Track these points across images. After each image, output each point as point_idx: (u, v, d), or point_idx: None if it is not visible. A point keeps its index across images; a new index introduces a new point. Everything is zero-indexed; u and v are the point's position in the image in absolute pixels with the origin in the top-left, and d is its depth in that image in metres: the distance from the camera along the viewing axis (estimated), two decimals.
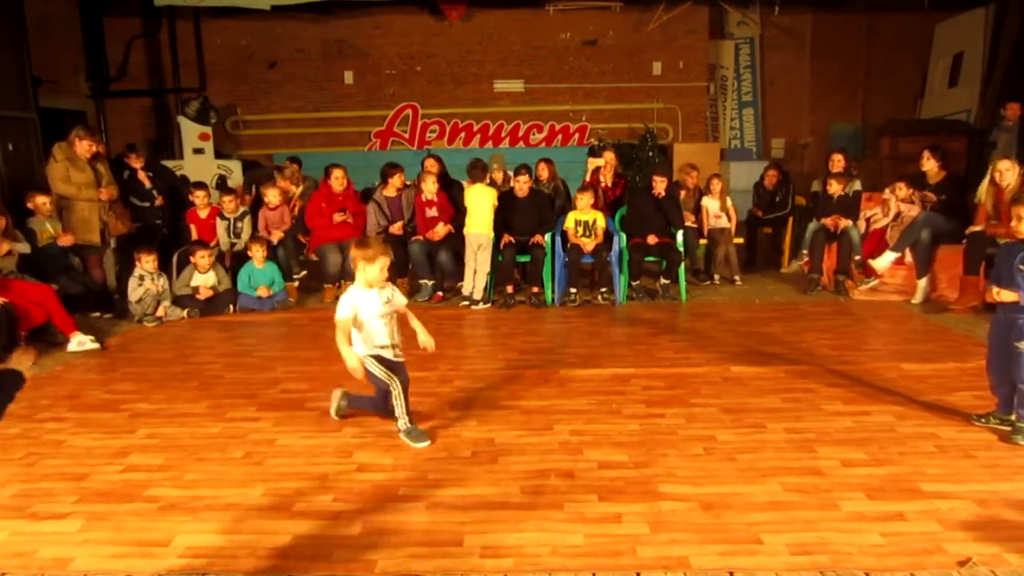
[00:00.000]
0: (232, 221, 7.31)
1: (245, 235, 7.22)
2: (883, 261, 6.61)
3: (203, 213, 7.39)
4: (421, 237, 7.00)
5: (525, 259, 6.89)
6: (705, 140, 11.97)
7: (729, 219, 7.77)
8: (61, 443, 3.72)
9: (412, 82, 11.87)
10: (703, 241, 7.75)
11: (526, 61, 11.82)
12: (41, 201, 6.42)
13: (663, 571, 2.48)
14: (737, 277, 7.63)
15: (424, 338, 3.74)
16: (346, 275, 7.21)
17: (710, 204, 7.74)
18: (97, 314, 6.51)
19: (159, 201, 7.73)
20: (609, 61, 11.82)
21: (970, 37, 10.50)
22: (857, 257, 6.92)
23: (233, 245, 7.28)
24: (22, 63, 8.39)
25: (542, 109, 11.96)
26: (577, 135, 12.02)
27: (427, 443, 3.56)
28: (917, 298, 6.52)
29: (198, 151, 10.50)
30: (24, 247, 5.94)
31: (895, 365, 4.69)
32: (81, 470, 3.37)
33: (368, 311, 3.60)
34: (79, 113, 10.58)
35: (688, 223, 7.35)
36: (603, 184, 7.65)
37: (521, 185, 6.92)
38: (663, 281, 7.01)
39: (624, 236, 6.89)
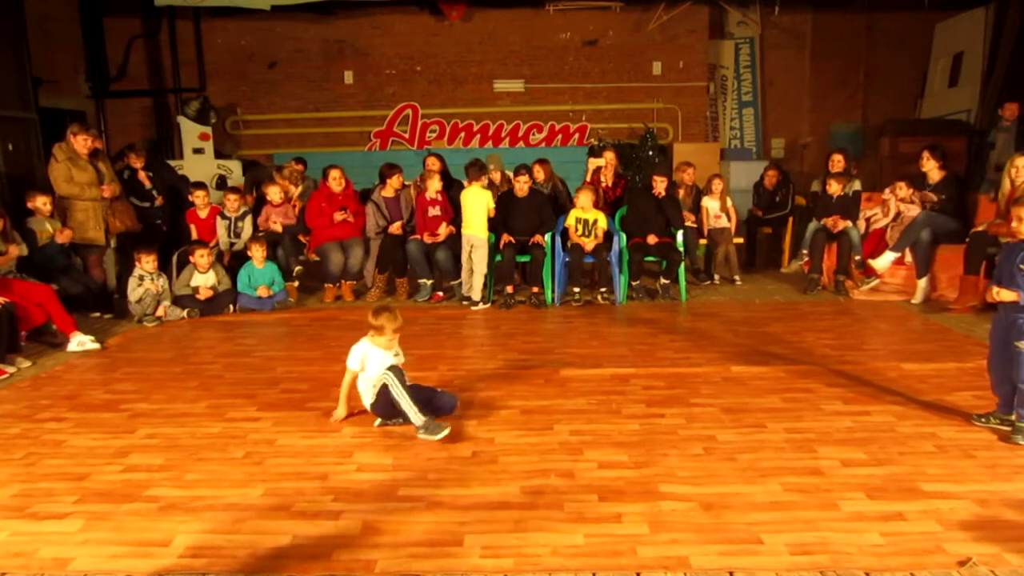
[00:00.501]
0: (233, 220, 7.31)
1: (245, 235, 7.23)
2: (883, 261, 6.61)
3: (203, 213, 7.39)
4: (419, 236, 7.00)
5: (525, 259, 6.89)
6: (705, 140, 11.97)
7: (729, 219, 7.77)
8: (61, 443, 3.71)
9: (412, 82, 11.87)
10: (703, 241, 7.74)
11: (526, 61, 11.82)
12: (41, 201, 6.41)
13: (663, 571, 2.48)
14: (737, 277, 7.63)
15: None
16: (347, 275, 7.22)
17: (710, 204, 7.73)
18: (97, 314, 6.51)
19: (159, 201, 7.74)
20: (609, 61, 11.83)
21: (970, 37, 10.50)
22: (857, 257, 6.92)
23: (233, 245, 7.29)
24: (22, 63, 8.40)
25: (542, 109, 11.96)
26: (577, 135, 12.02)
27: (446, 431, 3.59)
28: (917, 298, 6.52)
29: (198, 151, 10.50)
30: (22, 251, 5.93)
31: (895, 365, 4.69)
32: (81, 470, 3.37)
33: (374, 365, 3.79)
34: (79, 113, 10.58)
35: (688, 223, 7.35)
36: (604, 184, 7.65)
37: (521, 185, 6.91)
38: (663, 281, 7.01)
39: (624, 236, 6.89)
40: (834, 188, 7.17)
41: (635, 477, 3.19)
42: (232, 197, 7.35)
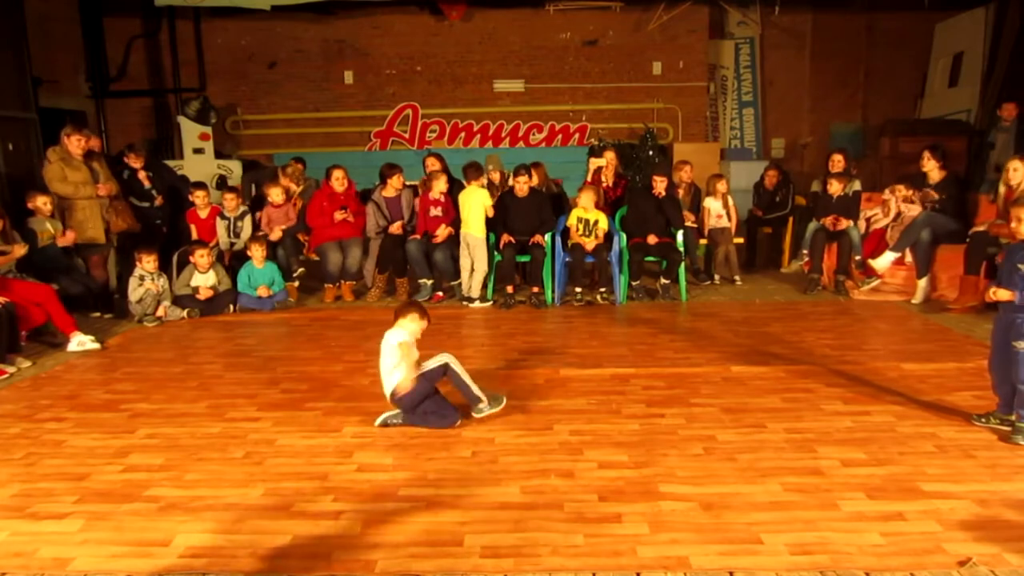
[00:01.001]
0: (232, 220, 7.31)
1: (245, 235, 7.22)
2: (883, 261, 6.61)
3: (203, 213, 7.39)
4: (419, 236, 7.01)
5: (525, 259, 6.89)
6: (705, 140, 11.98)
7: (729, 219, 7.77)
8: (61, 443, 3.72)
9: (412, 82, 11.88)
10: (703, 241, 7.74)
11: (526, 61, 11.83)
12: (42, 201, 6.41)
13: (663, 571, 2.48)
14: (737, 277, 7.63)
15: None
16: (345, 275, 7.22)
17: (712, 205, 7.72)
18: (97, 314, 6.51)
19: (158, 201, 7.73)
20: (609, 61, 11.83)
21: (970, 37, 10.50)
22: (858, 257, 6.92)
23: (233, 245, 7.28)
24: (22, 63, 8.40)
25: (542, 109, 11.96)
26: (577, 135, 12.02)
27: (504, 400, 3.91)
28: (917, 298, 6.52)
29: (198, 151, 10.50)
30: (22, 251, 5.91)
31: (895, 365, 4.69)
32: (81, 470, 3.37)
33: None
34: (79, 113, 10.59)
35: (688, 223, 7.35)
36: (604, 184, 7.64)
37: (521, 185, 6.91)
38: (663, 281, 7.01)
39: (624, 236, 6.89)
40: (835, 188, 7.16)
41: (635, 477, 3.19)
42: (230, 197, 7.34)
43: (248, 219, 7.35)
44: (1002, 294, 3.47)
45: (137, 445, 3.67)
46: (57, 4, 10.39)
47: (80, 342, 5.51)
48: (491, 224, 6.85)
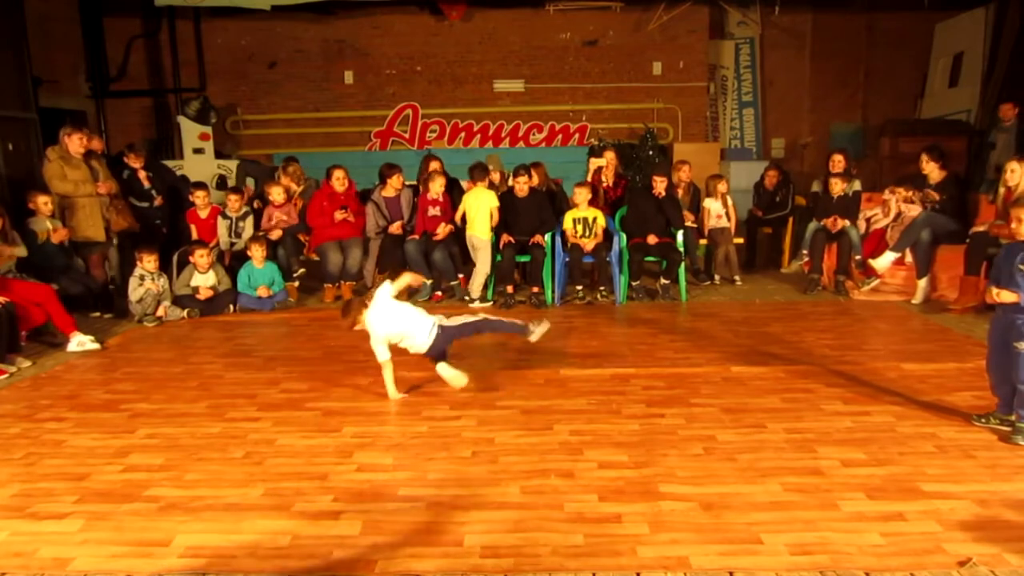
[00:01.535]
0: (234, 220, 7.30)
1: (246, 235, 7.22)
2: (883, 261, 6.61)
3: (203, 213, 7.39)
4: (418, 236, 7.01)
5: (525, 259, 6.90)
6: (705, 140, 11.97)
7: (728, 219, 7.77)
8: (61, 443, 3.72)
9: (412, 82, 11.87)
10: (703, 241, 7.74)
11: (526, 61, 11.82)
12: (42, 201, 6.41)
13: (663, 571, 2.48)
14: (737, 277, 7.63)
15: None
16: (345, 275, 7.22)
17: (712, 205, 7.72)
18: (97, 314, 6.51)
19: (158, 201, 7.73)
20: (609, 61, 11.82)
21: (970, 37, 10.50)
22: (858, 257, 6.92)
23: (233, 245, 7.28)
24: (22, 63, 8.39)
25: (542, 109, 11.96)
26: (577, 135, 12.02)
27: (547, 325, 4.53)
28: (917, 298, 6.52)
29: (198, 151, 10.49)
30: (21, 251, 5.92)
31: (895, 365, 4.69)
32: (81, 470, 3.37)
33: (412, 322, 4.34)
34: (79, 113, 10.58)
35: (688, 223, 7.35)
36: (604, 184, 7.64)
37: (521, 186, 6.92)
38: (663, 281, 7.01)
39: (624, 236, 6.89)
40: (837, 188, 7.16)
41: (635, 477, 3.19)
42: (234, 197, 7.35)
43: (250, 219, 7.35)
44: (1006, 296, 3.45)
45: (137, 445, 3.67)
46: (57, 4, 10.39)
47: (80, 342, 5.51)
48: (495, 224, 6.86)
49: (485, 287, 6.87)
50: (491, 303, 6.81)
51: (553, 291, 6.82)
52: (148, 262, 6.31)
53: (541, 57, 11.80)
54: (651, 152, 11.04)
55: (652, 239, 6.84)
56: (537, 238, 6.79)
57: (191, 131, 10.48)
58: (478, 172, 6.94)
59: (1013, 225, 3.54)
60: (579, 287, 6.92)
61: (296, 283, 7.30)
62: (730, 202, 7.83)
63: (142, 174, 7.69)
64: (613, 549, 2.61)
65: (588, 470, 3.26)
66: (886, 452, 3.39)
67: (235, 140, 11.89)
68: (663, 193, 6.97)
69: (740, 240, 8.02)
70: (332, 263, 7.13)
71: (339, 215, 7.15)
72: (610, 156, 7.79)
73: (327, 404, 4.20)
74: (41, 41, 9.48)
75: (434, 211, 7.04)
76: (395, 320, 4.22)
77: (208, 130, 10.51)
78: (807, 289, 7.07)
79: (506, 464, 3.35)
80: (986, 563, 2.47)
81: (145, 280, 6.31)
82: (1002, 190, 5.96)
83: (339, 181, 7.22)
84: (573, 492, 3.05)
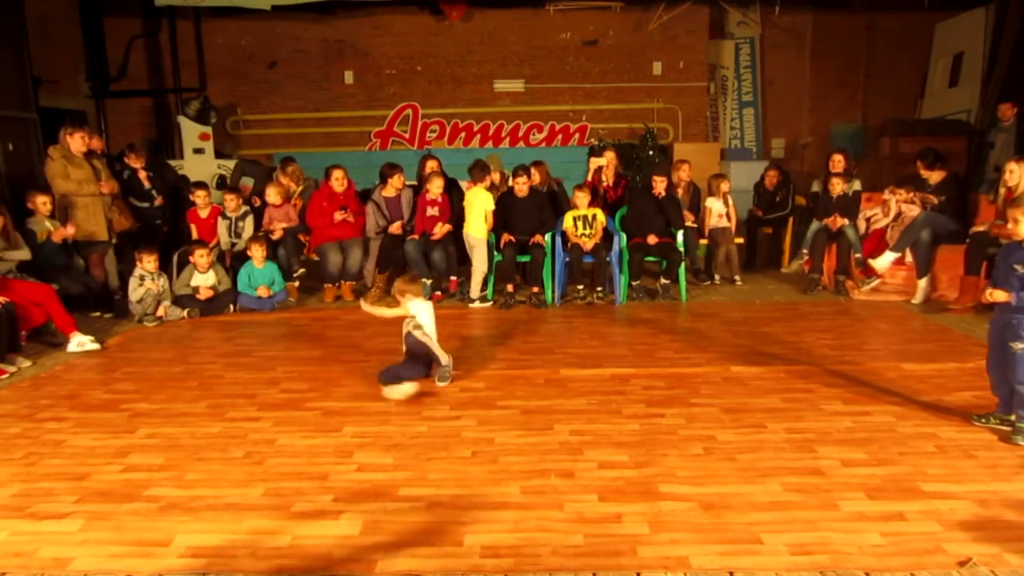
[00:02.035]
0: (234, 220, 7.30)
1: (246, 235, 7.21)
2: (883, 261, 6.61)
3: (204, 213, 7.38)
4: (417, 236, 7.01)
5: (525, 259, 6.90)
6: (705, 140, 11.97)
7: (729, 219, 7.77)
8: (61, 443, 3.72)
9: (412, 82, 11.88)
10: (703, 241, 7.74)
11: (526, 61, 11.83)
12: (41, 201, 6.41)
13: (663, 571, 2.48)
14: (737, 277, 7.63)
15: None
16: (346, 275, 7.22)
17: (714, 205, 7.72)
18: (97, 314, 6.51)
19: (158, 201, 7.73)
20: (609, 61, 11.82)
21: (970, 37, 10.50)
22: (857, 255, 6.92)
23: (234, 245, 7.28)
24: (22, 63, 8.39)
25: (542, 109, 11.96)
26: (577, 135, 12.02)
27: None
28: (917, 298, 6.52)
29: (198, 151, 10.50)
30: (24, 254, 5.91)
31: (895, 365, 4.69)
32: (81, 470, 3.37)
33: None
34: (79, 113, 10.58)
35: (688, 223, 7.35)
36: (605, 184, 7.64)
37: (520, 186, 6.92)
38: (663, 281, 7.01)
39: (624, 236, 6.89)
40: (837, 188, 7.16)
41: (635, 477, 3.19)
42: (230, 198, 7.34)
43: (250, 219, 7.34)
44: (998, 295, 3.47)
45: (137, 445, 3.67)
46: (57, 4, 10.39)
47: (80, 342, 5.50)
48: (494, 224, 6.86)
49: (484, 287, 6.86)
50: (491, 303, 6.81)
51: (553, 291, 6.82)
52: (148, 262, 6.31)
53: (541, 57, 11.80)
54: (651, 152, 11.04)
55: (652, 239, 6.84)
56: (537, 238, 6.79)
57: (191, 131, 10.48)
58: (477, 172, 6.94)
59: (1010, 225, 3.55)
60: (579, 287, 6.93)
61: (296, 283, 7.30)
62: (730, 202, 7.83)
63: (142, 174, 7.69)
64: (613, 549, 2.61)
65: (588, 470, 3.26)
66: (886, 452, 3.39)
67: (235, 140, 11.89)
68: (663, 193, 6.97)
69: (740, 240, 8.02)
70: (332, 263, 7.13)
71: (339, 215, 7.15)
72: (610, 156, 7.78)
73: (327, 404, 4.20)
74: (41, 41, 9.49)
75: (432, 211, 7.04)
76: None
77: (208, 130, 10.52)
78: (807, 289, 7.07)
79: (506, 464, 3.35)
80: (986, 563, 2.47)
81: (145, 280, 6.31)
82: (1002, 190, 5.97)
83: (338, 181, 7.22)
84: (573, 492, 3.05)
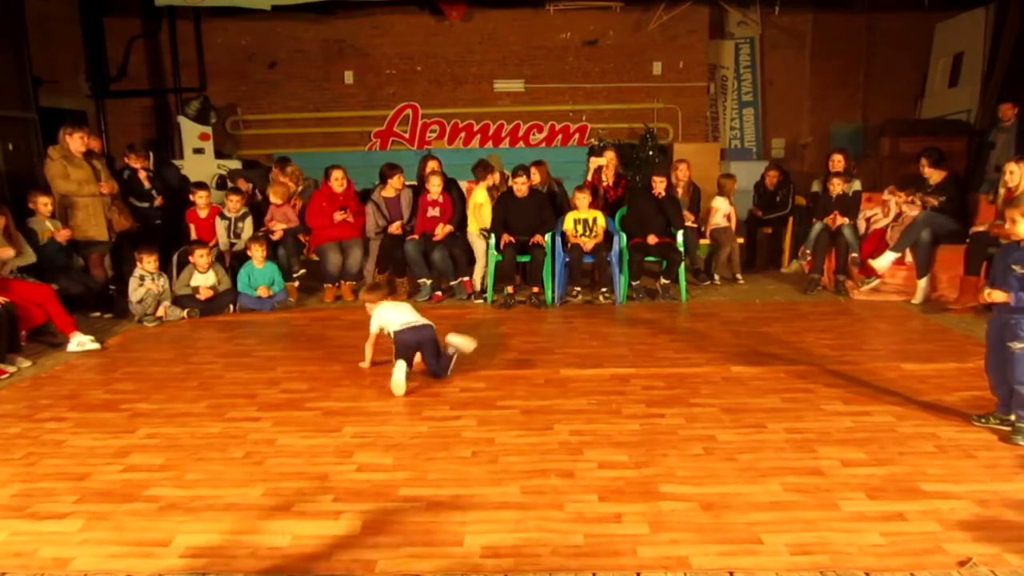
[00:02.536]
0: (233, 221, 7.30)
1: (246, 235, 7.21)
2: (883, 261, 6.61)
3: (203, 213, 7.38)
4: (417, 236, 7.01)
5: (525, 259, 6.90)
6: (705, 140, 11.96)
7: (729, 219, 7.77)
8: (61, 443, 3.72)
9: (412, 82, 11.87)
10: (704, 241, 7.74)
11: (526, 61, 11.82)
12: (42, 202, 6.41)
13: (663, 571, 2.48)
14: (739, 276, 7.63)
15: None
16: (346, 275, 7.22)
17: (721, 205, 7.71)
18: (97, 314, 6.51)
19: (158, 201, 7.73)
20: (609, 61, 11.82)
21: (970, 37, 10.49)
22: (854, 255, 6.92)
23: (233, 245, 7.28)
24: (22, 63, 8.39)
25: (542, 109, 11.95)
26: (577, 135, 12.01)
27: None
28: (917, 298, 6.52)
29: (198, 151, 10.49)
30: (30, 259, 5.91)
31: (895, 365, 4.69)
32: (81, 470, 3.37)
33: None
34: (79, 113, 10.57)
35: (688, 223, 7.35)
36: (605, 184, 7.64)
37: (520, 186, 6.92)
38: (663, 281, 7.01)
39: (624, 236, 6.89)
40: (837, 187, 7.16)
41: (635, 477, 3.19)
42: (233, 198, 7.35)
43: (249, 220, 7.34)
44: (997, 295, 3.47)
45: (137, 445, 3.67)
46: (57, 4, 10.38)
47: (80, 342, 5.51)
48: (491, 224, 6.87)
49: (483, 288, 6.87)
50: (491, 303, 6.82)
51: (553, 291, 6.82)
52: (148, 262, 6.31)
53: (541, 57, 11.79)
54: (651, 152, 11.03)
55: (652, 239, 6.84)
56: (537, 238, 6.79)
57: (191, 131, 10.48)
58: (479, 171, 6.97)
59: (1008, 225, 3.55)
60: (577, 289, 6.93)
61: (296, 283, 7.30)
62: (732, 202, 7.83)
63: (142, 174, 7.69)
64: (613, 549, 2.61)
65: (588, 470, 3.26)
66: (886, 452, 3.39)
67: (235, 140, 11.88)
68: (663, 193, 6.97)
69: (740, 240, 8.02)
70: (332, 263, 7.13)
71: (338, 216, 7.15)
72: (610, 156, 7.78)
73: (327, 404, 4.20)
74: (41, 41, 9.48)
75: (433, 212, 7.04)
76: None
77: (208, 130, 10.52)
78: (807, 289, 7.07)
79: (506, 464, 3.35)
80: (986, 563, 2.47)
81: (145, 280, 6.31)
82: (1002, 191, 5.97)
83: (337, 182, 7.22)
84: (573, 492, 3.05)
